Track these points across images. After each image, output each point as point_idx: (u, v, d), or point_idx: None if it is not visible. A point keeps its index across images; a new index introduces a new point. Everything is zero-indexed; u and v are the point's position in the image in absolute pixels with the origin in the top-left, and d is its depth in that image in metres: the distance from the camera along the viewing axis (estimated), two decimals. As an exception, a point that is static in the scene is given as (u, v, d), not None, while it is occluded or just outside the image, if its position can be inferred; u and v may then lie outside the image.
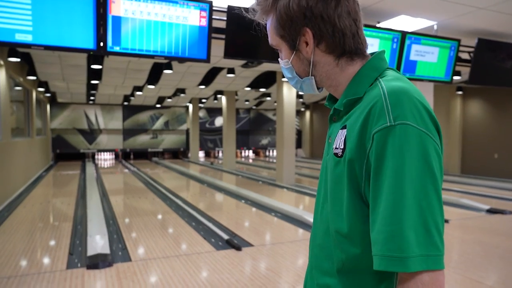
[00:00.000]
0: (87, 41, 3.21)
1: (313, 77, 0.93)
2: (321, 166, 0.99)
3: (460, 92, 12.29)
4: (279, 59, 0.98)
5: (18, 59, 6.95)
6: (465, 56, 5.86)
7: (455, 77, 5.80)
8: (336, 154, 0.86)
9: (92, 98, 15.53)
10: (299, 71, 0.94)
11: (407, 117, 0.74)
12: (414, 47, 4.96)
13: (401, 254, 0.70)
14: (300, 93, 13.48)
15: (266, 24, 0.96)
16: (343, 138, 0.84)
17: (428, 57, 5.10)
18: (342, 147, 0.84)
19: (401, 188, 0.72)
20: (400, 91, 0.78)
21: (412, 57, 4.99)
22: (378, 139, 0.75)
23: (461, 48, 5.57)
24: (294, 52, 0.92)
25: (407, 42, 4.89)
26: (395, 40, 4.81)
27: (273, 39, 0.94)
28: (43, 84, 11.50)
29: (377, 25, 4.96)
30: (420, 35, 4.98)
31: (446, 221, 5.69)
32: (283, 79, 9.42)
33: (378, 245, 0.73)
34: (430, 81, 5.31)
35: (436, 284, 0.70)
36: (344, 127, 0.86)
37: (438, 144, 0.77)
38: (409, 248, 0.70)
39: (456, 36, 5.47)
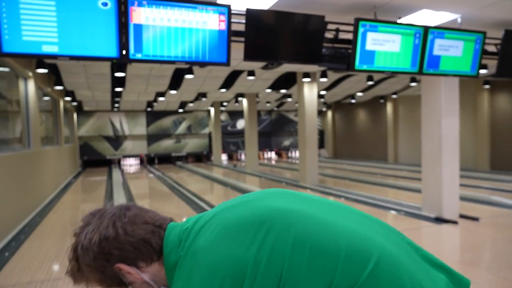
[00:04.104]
0: (110, 50, 3.29)
1: (163, 285, 0.97)
2: None
3: (487, 86, 11.91)
4: None
5: (46, 70, 7.19)
6: (491, 48, 5.67)
7: (482, 71, 5.62)
8: None
9: (116, 105, 15.88)
10: None
11: None
12: (438, 41, 4.84)
13: None
14: (321, 95, 13.37)
15: None
16: None
17: (453, 51, 4.97)
18: None
19: None
20: None
21: (436, 52, 4.87)
22: None
23: (487, 41, 5.40)
24: (131, 286, 0.96)
25: (429, 37, 4.77)
26: (417, 35, 4.71)
27: None
28: (70, 93, 11.84)
29: (398, 21, 4.87)
30: (444, 29, 4.85)
31: (477, 219, 5.52)
32: (304, 80, 9.38)
33: None
34: (455, 76, 5.17)
35: None
36: None
37: None
38: None
39: (481, 29, 5.31)
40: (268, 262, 0.83)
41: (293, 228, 0.87)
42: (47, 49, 3.11)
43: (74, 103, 14.59)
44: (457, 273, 0.95)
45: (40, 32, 3.06)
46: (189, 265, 0.87)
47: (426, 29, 4.72)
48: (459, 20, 5.07)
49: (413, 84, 11.08)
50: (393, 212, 6.25)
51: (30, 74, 7.22)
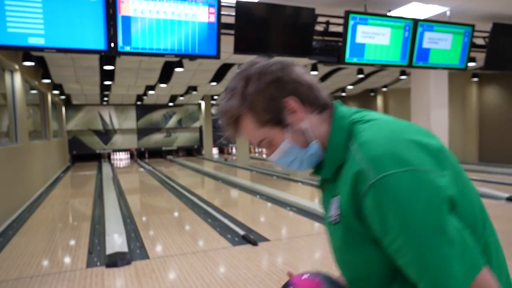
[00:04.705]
0: (98, 42, 3.24)
1: (316, 139, 0.92)
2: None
3: (475, 79, 12.03)
4: (272, 155, 0.96)
5: (33, 63, 7.07)
6: (479, 41, 5.72)
7: (470, 64, 5.67)
8: (333, 222, 0.89)
9: (105, 99, 15.71)
10: (301, 144, 0.93)
11: (387, 167, 0.75)
12: (427, 34, 4.87)
13: None
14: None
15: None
16: (337, 205, 0.87)
17: (442, 44, 5.00)
18: (338, 213, 0.86)
19: (415, 248, 0.73)
20: (374, 143, 0.80)
21: (425, 45, 4.90)
22: (368, 200, 0.77)
23: (476, 34, 5.44)
24: (287, 128, 0.91)
25: (419, 30, 4.79)
26: (407, 28, 4.73)
27: (258, 135, 0.93)
28: (58, 86, 11.67)
29: (388, 14, 4.88)
30: (433, 22, 4.88)
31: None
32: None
33: None
34: (444, 68, 5.21)
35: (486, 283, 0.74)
36: (336, 195, 0.88)
37: (435, 171, 0.76)
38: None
39: (470, 22, 5.35)
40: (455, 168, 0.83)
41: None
42: (33, 41, 3.05)
43: (63, 97, 14.39)
44: None
45: (26, 24, 3.00)
46: (383, 127, 0.85)
47: (415, 22, 4.74)
48: (448, 13, 5.10)
49: (403, 77, 11.14)
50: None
51: (17, 67, 7.09)
